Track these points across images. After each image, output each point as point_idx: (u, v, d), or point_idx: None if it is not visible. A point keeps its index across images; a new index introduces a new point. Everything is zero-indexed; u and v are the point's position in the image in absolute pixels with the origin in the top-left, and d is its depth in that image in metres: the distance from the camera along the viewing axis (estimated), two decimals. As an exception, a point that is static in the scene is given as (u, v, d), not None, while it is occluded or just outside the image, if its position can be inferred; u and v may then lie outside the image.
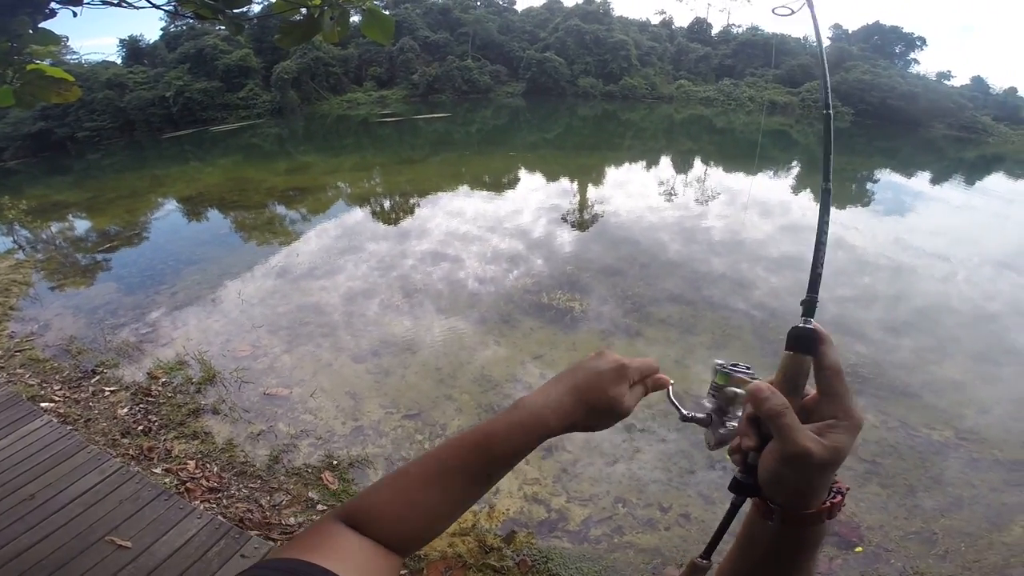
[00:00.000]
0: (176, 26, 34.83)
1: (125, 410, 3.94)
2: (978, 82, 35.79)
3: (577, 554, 2.89)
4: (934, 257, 8.27)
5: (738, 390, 0.55)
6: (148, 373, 4.53)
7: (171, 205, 12.66)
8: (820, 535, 0.48)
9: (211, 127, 29.38)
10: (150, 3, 1.62)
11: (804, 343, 0.48)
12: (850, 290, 6.78)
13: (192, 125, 29.75)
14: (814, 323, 0.48)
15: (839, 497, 0.47)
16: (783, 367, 0.50)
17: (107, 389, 4.27)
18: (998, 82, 35.86)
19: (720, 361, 0.57)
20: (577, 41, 36.75)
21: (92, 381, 4.42)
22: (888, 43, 38.48)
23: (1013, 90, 34.97)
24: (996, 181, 17.90)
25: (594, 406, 0.59)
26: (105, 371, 4.60)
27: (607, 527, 3.09)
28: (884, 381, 4.70)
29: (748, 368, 0.56)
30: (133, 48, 35.50)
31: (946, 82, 35.66)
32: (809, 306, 0.49)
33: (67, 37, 1.66)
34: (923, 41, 38.19)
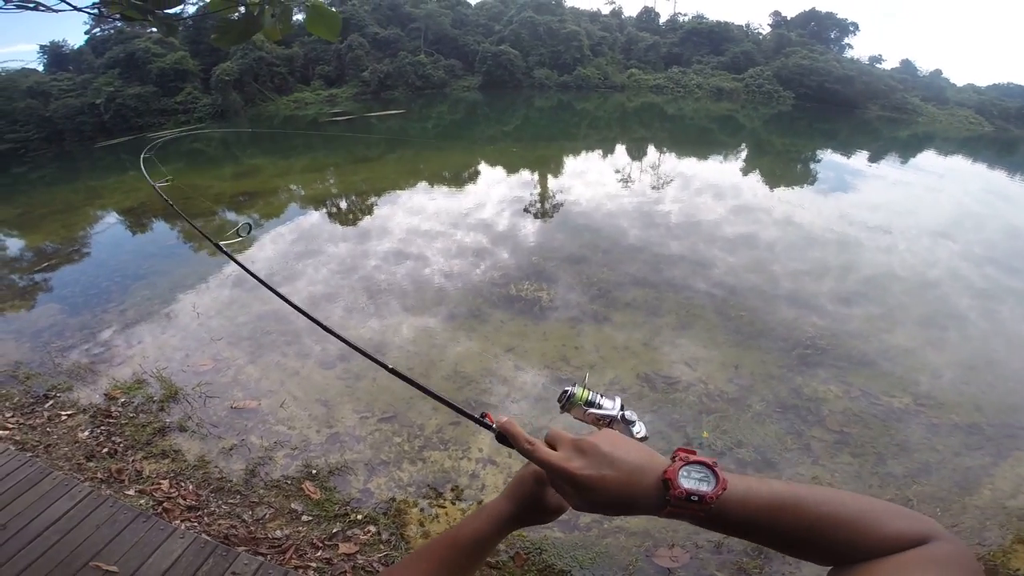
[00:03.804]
0: (103, 30, 32.71)
1: (86, 433, 3.74)
2: (907, 65, 38.15)
3: (570, 543, 2.89)
4: (877, 230, 8.79)
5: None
6: (105, 394, 4.28)
7: (112, 218, 11.90)
8: (704, 517, 0.54)
9: (149, 133, 27.76)
10: (70, 5, 1.46)
11: (504, 440, 0.69)
12: (801, 264, 7.12)
13: (127, 132, 27.95)
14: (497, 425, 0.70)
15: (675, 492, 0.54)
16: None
17: (63, 413, 4.03)
18: (924, 65, 38.37)
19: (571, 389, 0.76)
20: (531, 33, 36.84)
21: (46, 406, 4.15)
22: (824, 29, 40.35)
23: (938, 72, 37.51)
24: (927, 158, 19.20)
25: (522, 500, 0.73)
26: (58, 395, 4.32)
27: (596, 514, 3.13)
28: (842, 352, 4.88)
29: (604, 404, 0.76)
30: (56, 54, 33.05)
31: (878, 65, 37.76)
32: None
33: None
34: (856, 26, 40.30)
